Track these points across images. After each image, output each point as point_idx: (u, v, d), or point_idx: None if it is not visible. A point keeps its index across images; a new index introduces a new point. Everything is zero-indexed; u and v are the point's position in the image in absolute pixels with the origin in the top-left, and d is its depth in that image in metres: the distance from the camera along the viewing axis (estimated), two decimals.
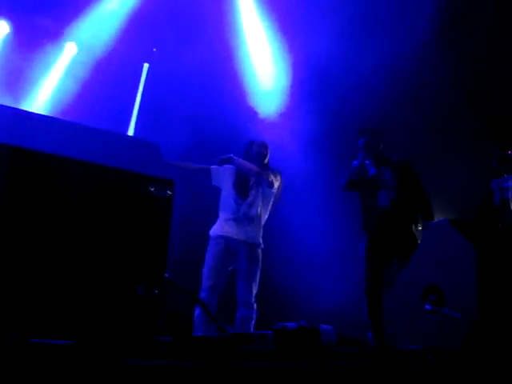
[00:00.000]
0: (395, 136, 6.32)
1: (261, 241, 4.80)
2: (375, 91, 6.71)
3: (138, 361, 1.58)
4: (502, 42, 6.41)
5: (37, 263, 1.75)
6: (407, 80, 6.57)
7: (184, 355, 1.78)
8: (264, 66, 7.61)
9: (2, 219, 1.72)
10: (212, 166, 4.96)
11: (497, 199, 5.64)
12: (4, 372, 1.40)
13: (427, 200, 4.93)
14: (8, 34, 7.19)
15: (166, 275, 2.07)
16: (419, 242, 4.81)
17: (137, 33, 7.07)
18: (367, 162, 5.02)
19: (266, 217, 4.91)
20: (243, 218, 4.75)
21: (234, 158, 4.82)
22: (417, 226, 4.87)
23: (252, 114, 7.34)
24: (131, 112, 6.66)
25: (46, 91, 7.41)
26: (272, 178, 4.83)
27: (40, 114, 2.62)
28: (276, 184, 4.88)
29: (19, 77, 6.98)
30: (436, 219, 4.87)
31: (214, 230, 4.80)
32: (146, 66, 6.94)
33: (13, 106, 2.40)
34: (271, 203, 4.94)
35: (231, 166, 4.88)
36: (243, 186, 4.84)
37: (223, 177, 4.93)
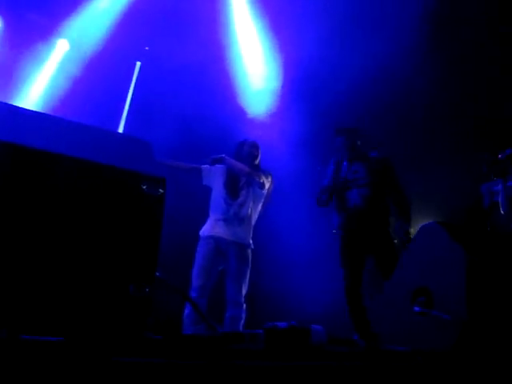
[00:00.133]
0: (383, 137, 6.35)
1: (251, 241, 4.80)
2: (365, 92, 6.73)
3: (127, 358, 1.57)
4: (489, 44, 6.46)
5: (28, 260, 1.74)
6: (396, 81, 6.59)
7: (174, 353, 1.78)
8: (255, 66, 7.61)
9: None
10: (203, 166, 4.94)
11: (486, 202, 5.65)
12: None
13: (404, 196, 4.89)
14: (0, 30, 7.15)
15: (157, 274, 2.06)
16: (393, 239, 4.84)
17: (129, 31, 7.05)
18: (344, 163, 4.99)
19: (256, 217, 4.91)
20: (233, 219, 4.74)
21: (226, 158, 4.82)
22: (390, 222, 4.87)
23: (242, 113, 7.34)
24: (122, 110, 6.63)
25: (38, 87, 7.36)
26: (263, 178, 4.82)
27: (31, 110, 2.59)
28: (267, 185, 4.87)
29: (11, 73, 6.93)
30: (424, 222, 4.88)
31: (204, 231, 4.79)
32: (138, 64, 6.91)
33: (4, 101, 2.38)
34: (261, 204, 4.94)
35: (222, 165, 4.87)
36: (234, 186, 4.83)
37: (214, 177, 4.91)
